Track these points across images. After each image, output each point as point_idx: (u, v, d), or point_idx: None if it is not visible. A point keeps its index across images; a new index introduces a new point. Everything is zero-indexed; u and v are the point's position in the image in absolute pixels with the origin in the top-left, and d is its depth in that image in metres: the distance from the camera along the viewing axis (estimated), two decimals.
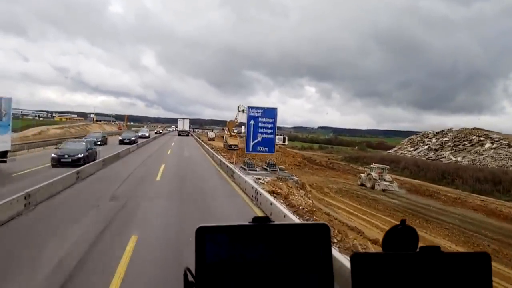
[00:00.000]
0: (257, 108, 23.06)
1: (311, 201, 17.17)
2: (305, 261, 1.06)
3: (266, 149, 23.04)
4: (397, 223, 1.16)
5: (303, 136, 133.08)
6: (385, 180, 38.14)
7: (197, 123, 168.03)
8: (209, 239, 1.03)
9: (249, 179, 13.18)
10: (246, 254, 1.04)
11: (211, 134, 75.80)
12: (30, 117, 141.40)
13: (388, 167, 40.47)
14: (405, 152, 64.53)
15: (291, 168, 41.46)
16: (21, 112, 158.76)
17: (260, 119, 22.49)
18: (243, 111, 55.99)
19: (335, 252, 5.15)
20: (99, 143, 29.62)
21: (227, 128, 60.49)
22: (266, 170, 26.92)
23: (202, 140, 53.55)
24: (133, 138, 37.09)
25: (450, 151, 56.94)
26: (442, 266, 1.03)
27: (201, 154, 30.42)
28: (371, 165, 40.31)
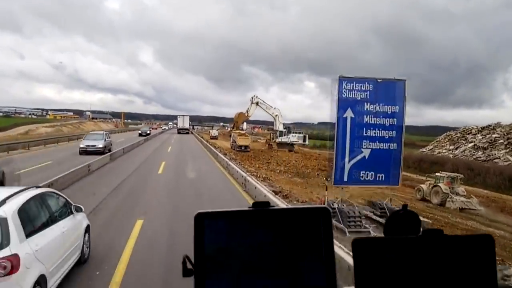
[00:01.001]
0: (361, 80, 9.96)
1: None
2: (306, 245, 1.02)
3: (381, 175, 10.35)
4: None
5: (307, 132, 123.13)
6: (458, 194, 27.04)
7: (196, 120, 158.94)
8: (208, 225, 0.98)
9: None
10: (246, 240, 0.99)
11: (214, 132, 65.29)
12: (23, 115, 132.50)
13: (461, 176, 29.37)
14: (444, 151, 53.82)
15: (317, 174, 31.67)
16: (15, 110, 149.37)
17: (367, 106, 9.97)
18: (257, 103, 45.01)
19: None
20: None
21: (233, 124, 48.95)
22: (378, 222, 12.36)
23: (207, 141, 41.83)
24: None
25: (505, 150, 46.11)
26: (445, 249, 0.99)
27: (221, 177, 16.53)
28: (437, 174, 29.19)
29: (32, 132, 52.71)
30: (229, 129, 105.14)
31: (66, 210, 5.20)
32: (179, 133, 65.70)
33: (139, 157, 22.69)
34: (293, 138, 45.39)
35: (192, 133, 71.73)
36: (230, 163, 17.99)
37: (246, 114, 43.97)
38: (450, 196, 26.47)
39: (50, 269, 4.17)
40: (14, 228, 3.70)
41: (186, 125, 70.08)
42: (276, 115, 44.85)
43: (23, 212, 4.00)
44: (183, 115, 72.16)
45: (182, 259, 0.99)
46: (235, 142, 40.31)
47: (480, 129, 53.11)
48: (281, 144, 44.36)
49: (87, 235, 5.76)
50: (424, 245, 0.98)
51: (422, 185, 28.88)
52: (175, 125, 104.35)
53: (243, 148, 38.70)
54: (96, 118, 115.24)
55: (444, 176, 27.94)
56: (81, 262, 5.45)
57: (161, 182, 14.14)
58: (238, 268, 0.97)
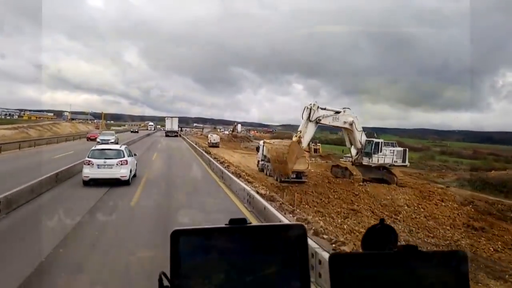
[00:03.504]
0: None
1: None
2: (282, 261, 1.10)
3: None
4: None
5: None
6: None
7: (183, 122, 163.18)
8: (184, 242, 1.05)
9: None
10: (223, 256, 1.07)
11: (214, 138, 54.48)
12: None
13: None
14: None
15: (496, 251, 17.88)
16: None
17: None
18: (318, 121, 27.55)
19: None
20: None
21: (264, 148, 30.03)
22: None
23: (212, 155, 28.60)
24: None
25: None
26: (420, 264, 1.07)
27: None
28: None
29: None
30: (226, 132, 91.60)
31: (132, 154, 16.43)
32: (167, 135, 66.18)
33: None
34: (390, 156, 28.45)
35: (181, 136, 70.98)
36: None
37: (298, 141, 27.03)
38: None
39: (132, 169, 15.59)
40: (125, 152, 15.19)
41: (175, 128, 70.70)
42: (351, 123, 28.58)
43: (125, 149, 15.90)
44: (172, 117, 72.36)
45: (159, 276, 1.04)
46: (276, 163, 26.37)
47: None
48: (369, 169, 28.47)
49: (136, 167, 16.67)
50: (400, 261, 1.07)
51: None
52: (159, 127, 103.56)
53: (293, 176, 25.52)
54: (75, 119, 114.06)
55: None
56: (135, 176, 16.27)
57: None
58: (215, 285, 1.05)
